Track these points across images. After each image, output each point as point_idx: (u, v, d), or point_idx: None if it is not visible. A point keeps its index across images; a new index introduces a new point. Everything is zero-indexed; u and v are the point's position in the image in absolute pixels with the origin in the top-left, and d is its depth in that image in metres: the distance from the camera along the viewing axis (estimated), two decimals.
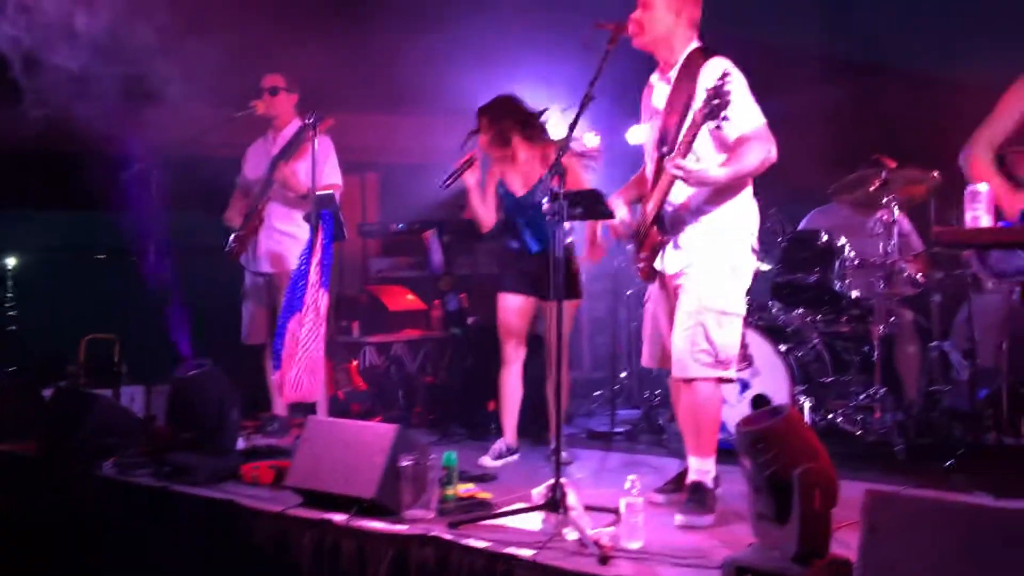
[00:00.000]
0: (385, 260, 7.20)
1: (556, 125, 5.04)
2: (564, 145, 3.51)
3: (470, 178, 4.54)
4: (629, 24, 3.48)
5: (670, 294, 3.60)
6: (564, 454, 4.42)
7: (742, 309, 3.51)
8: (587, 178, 4.47)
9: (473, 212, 4.64)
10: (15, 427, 4.93)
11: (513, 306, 4.58)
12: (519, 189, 4.56)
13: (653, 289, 3.73)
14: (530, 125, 4.52)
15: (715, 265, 3.44)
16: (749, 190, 3.52)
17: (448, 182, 4.53)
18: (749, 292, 5.07)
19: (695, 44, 3.52)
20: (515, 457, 4.56)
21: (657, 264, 3.57)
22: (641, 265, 3.64)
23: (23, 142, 8.28)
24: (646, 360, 3.82)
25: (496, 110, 4.52)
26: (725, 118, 3.10)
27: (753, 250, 3.54)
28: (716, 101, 3.07)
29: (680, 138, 3.33)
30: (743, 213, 3.51)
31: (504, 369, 4.61)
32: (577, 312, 4.84)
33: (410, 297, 6.65)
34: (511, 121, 4.50)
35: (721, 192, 3.43)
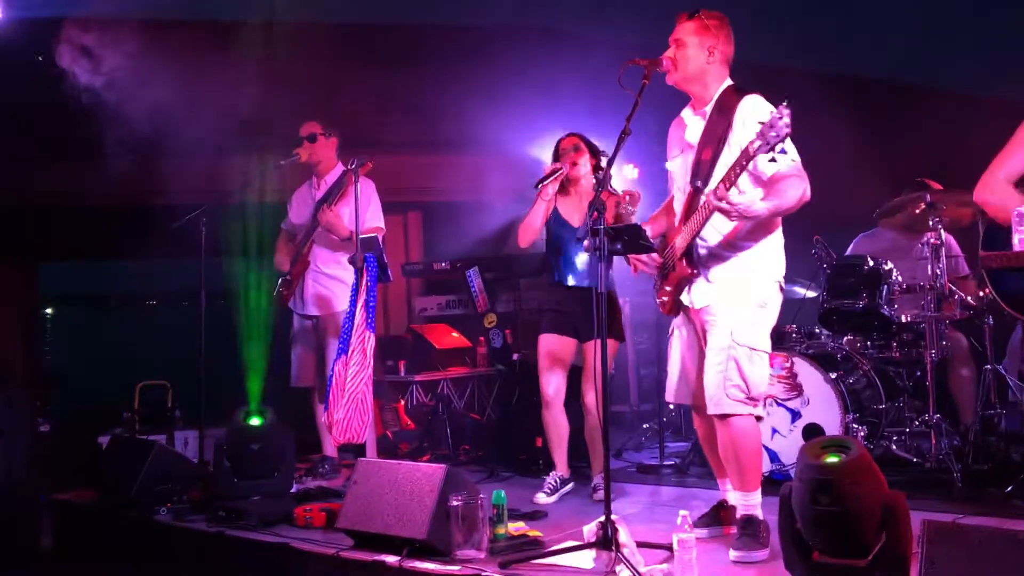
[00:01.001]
0: (429, 299, 7.26)
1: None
2: (604, 181, 3.54)
3: (552, 188, 4.54)
4: (663, 61, 3.51)
5: (696, 329, 3.60)
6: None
7: (768, 347, 3.48)
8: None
9: (530, 222, 4.57)
10: (73, 476, 5.03)
11: (553, 347, 4.59)
12: (575, 220, 4.60)
13: (677, 323, 3.70)
14: (598, 164, 4.62)
15: (746, 302, 3.42)
16: (779, 229, 3.52)
17: (539, 183, 4.52)
18: (796, 320, 5.07)
19: (728, 82, 3.55)
20: (570, 487, 4.57)
21: (683, 298, 3.55)
22: (665, 299, 3.64)
23: (77, 196, 8.56)
24: (671, 396, 3.75)
25: (589, 143, 4.64)
26: (783, 151, 3.05)
27: (780, 288, 3.52)
28: (773, 133, 3.02)
29: (715, 171, 3.39)
30: (773, 252, 3.50)
31: (545, 410, 4.61)
32: (618, 351, 4.80)
33: (455, 335, 6.69)
34: (594, 150, 4.62)
35: (755, 230, 3.42)
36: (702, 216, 3.36)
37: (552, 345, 4.59)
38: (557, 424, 4.60)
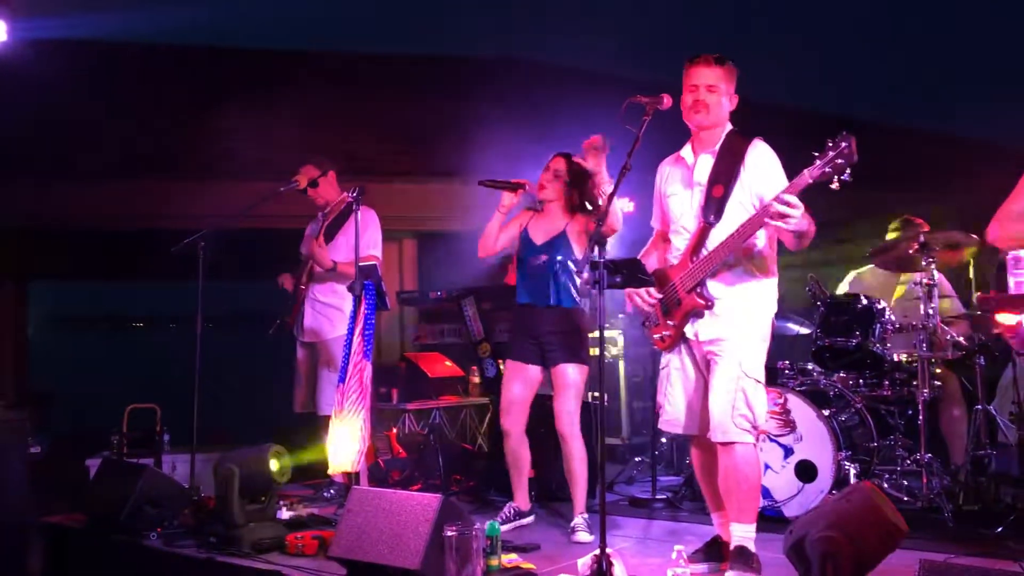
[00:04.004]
0: (423, 327, 7.27)
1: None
2: (602, 216, 3.57)
3: (507, 198, 4.55)
4: (696, 105, 3.59)
5: (695, 361, 3.68)
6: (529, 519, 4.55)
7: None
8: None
9: (487, 231, 4.62)
10: (62, 498, 4.98)
11: (518, 375, 4.55)
12: (538, 239, 4.58)
13: (674, 358, 3.74)
14: (584, 194, 4.53)
15: (753, 335, 3.54)
16: (776, 270, 3.65)
17: (486, 183, 4.53)
18: (789, 357, 5.10)
19: (730, 126, 3.68)
20: (527, 520, 4.56)
21: (688, 330, 3.62)
22: (668, 333, 3.68)
23: (66, 216, 8.57)
24: (679, 428, 3.75)
25: (574, 163, 4.55)
26: (848, 179, 3.11)
27: (772, 323, 3.66)
28: (840, 161, 3.10)
29: (727, 207, 3.53)
30: (773, 289, 3.63)
31: (506, 440, 4.57)
32: (591, 378, 4.72)
33: (448, 364, 6.69)
34: (577, 179, 4.52)
35: (762, 265, 3.57)
36: (723, 251, 3.45)
37: (513, 372, 4.57)
38: (515, 455, 4.57)
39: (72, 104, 7.98)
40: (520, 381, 4.55)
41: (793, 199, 3.20)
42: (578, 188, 4.52)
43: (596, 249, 3.33)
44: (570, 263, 4.47)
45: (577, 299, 4.50)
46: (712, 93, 3.59)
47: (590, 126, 4.50)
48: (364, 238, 5.01)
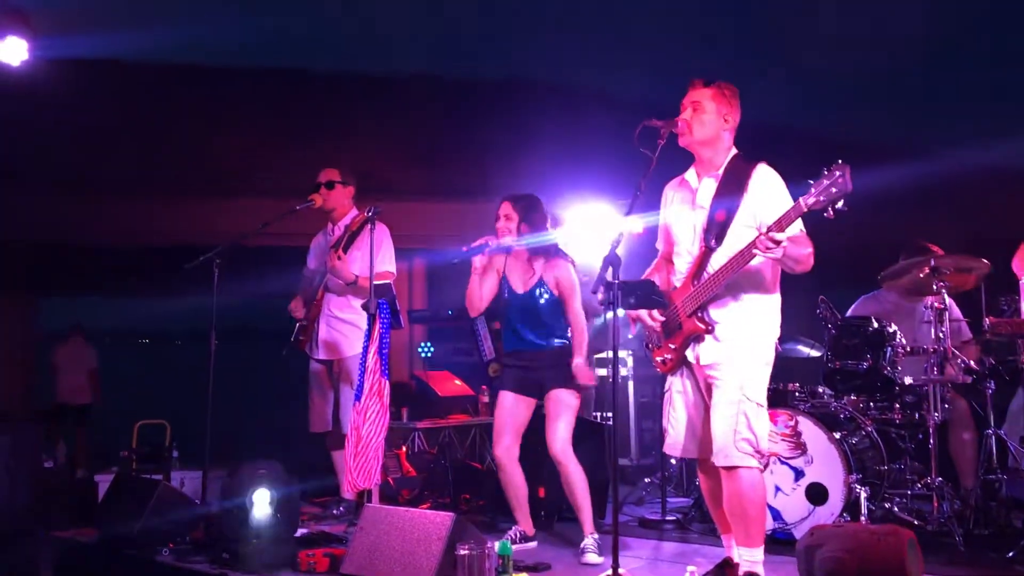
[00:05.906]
0: (433, 346, 7.29)
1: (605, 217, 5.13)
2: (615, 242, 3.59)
3: (478, 260, 4.58)
4: (678, 123, 3.60)
5: (698, 384, 3.67)
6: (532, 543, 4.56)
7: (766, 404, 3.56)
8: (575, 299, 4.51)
9: (469, 292, 4.64)
10: (72, 513, 5.00)
11: (508, 406, 4.58)
12: (519, 287, 4.62)
13: (677, 381, 3.75)
14: (532, 221, 4.56)
15: (754, 359, 3.52)
16: (778, 291, 3.63)
17: (469, 249, 4.54)
18: (800, 379, 5.11)
19: (735, 150, 3.67)
20: (532, 545, 4.56)
21: (688, 354, 3.62)
22: (669, 356, 3.69)
23: (77, 232, 8.64)
24: (677, 451, 3.77)
25: (522, 202, 4.60)
26: (844, 208, 3.10)
27: (776, 348, 3.63)
28: (834, 190, 3.08)
29: (729, 232, 3.52)
30: (775, 312, 3.61)
31: (500, 471, 4.59)
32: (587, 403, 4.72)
33: (458, 383, 6.70)
34: (525, 211, 4.56)
35: (760, 291, 3.54)
36: (727, 272, 3.44)
37: (507, 404, 4.58)
38: (512, 484, 4.59)
39: (85, 121, 8.05)
40: (512, 411, 4.57)
41: (779, 235, 3.21)
42: (526, 219, 4.54)
43: (610, 270, 3.35)
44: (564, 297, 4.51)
45: (565, 337, 4.54)
46: (697, 112, 3.59)
47: (605, 149, 4.53)
48: (379, 254, 5.04)
